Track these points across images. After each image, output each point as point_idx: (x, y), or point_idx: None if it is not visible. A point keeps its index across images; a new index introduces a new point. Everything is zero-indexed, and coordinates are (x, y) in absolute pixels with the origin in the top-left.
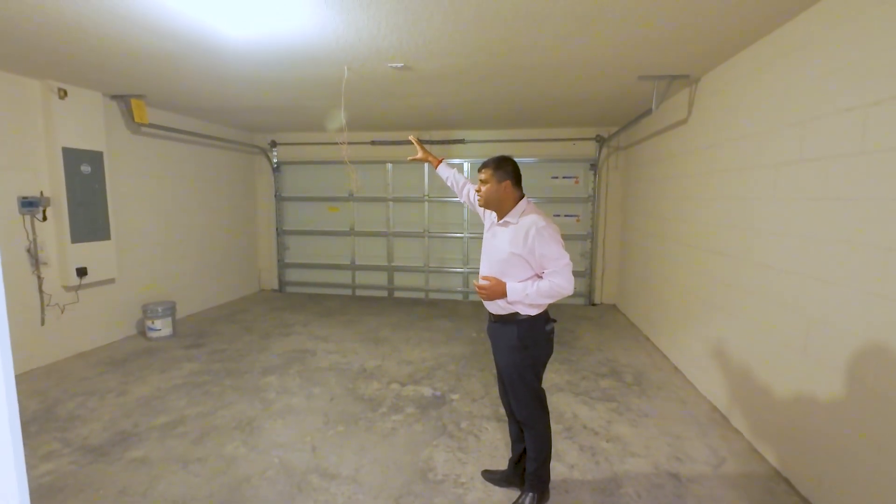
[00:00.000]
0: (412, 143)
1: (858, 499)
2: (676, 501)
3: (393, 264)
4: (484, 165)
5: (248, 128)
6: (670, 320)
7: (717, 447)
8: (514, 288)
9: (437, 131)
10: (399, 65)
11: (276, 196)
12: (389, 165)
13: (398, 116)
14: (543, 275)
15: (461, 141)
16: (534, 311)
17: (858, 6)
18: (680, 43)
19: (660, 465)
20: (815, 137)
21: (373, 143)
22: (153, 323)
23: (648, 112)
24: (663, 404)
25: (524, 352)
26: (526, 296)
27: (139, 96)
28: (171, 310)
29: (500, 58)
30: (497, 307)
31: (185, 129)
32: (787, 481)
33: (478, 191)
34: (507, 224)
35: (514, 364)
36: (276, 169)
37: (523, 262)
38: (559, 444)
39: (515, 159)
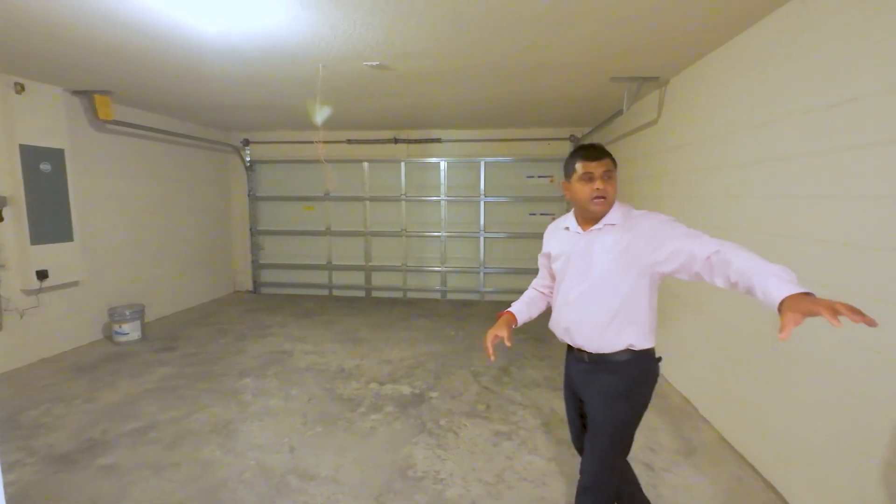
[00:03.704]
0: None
1: (823, 484)
2: (650, 490)
3: (370, 264)
4: (600, 153)
5: (221, 126)
6: None
7: (689, 437)
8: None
9: (413, 130)
10: (375, 63)
11: (249, 195)
12: (366, 164)
13: (375, 115)
14: (699, 256)
15: (437, 140)
16: (650, 343)
17: (818, 15)
18: (650, 46)
19: (634, 456)
20: (779, 138)
21: (349, 142)
22: (120, 327)
23: (620, 113)
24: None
25: (630, 401)
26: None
27: (104, 92)
28: (139, 313)
29: (477, 59)
30: (600, 341)
31: (155, 127)
32: (752, 468)
33: (600, 191)
34: (606, 228)
35: (615, 417)
36: (250, 168)
37: (633, 270)
38: (537, 436)
39: (489, 159)
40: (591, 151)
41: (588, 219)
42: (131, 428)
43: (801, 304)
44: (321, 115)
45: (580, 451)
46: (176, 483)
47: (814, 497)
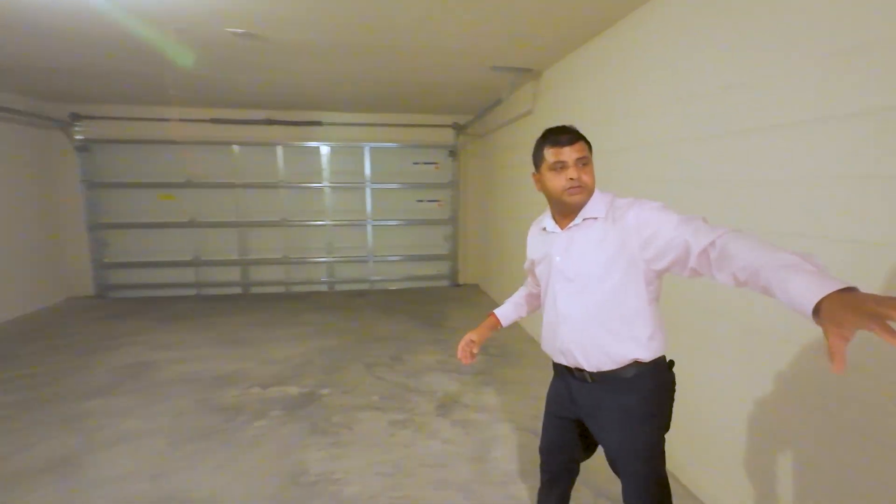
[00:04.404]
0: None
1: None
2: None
3: (248, 257)
4: (571, 136)
5: (40, 95)
6: None
7: None
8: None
9: (291, 111)
10: (240, 31)
11: (84, 182)
12: (236, 147)
13: (246, 92)
14: (696, 248)
15: (318, 123)
16: (659, 351)
17: (685, 12)
18: (525, 38)
19: (524, 426)
20: (648, 126)
21: (214, 121)
22: None
23: (500, 102)
24: (525, 371)
25: (650, 423)
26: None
27: None
28: None
29: (359, 36)
30: (599, 357)
31: None
32: None
33: (575, 180)
34: (587, 223)
35: (637, 442)
36: (84, 149)
37: (624, 270)
38: (433, 421)
39: (374, 145)
40: (561, 135)
41: (565, 214)
42: None
43: (845, 316)
44: (177, 88)
45: (554, 471)
46: None
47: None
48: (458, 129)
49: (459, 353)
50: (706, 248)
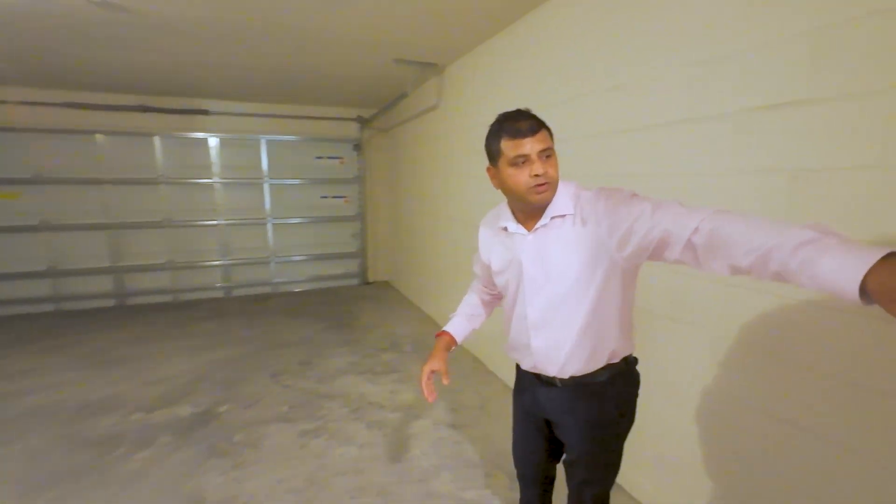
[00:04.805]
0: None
1: None
2: (456, 447)
3: (122, 264)
4: (532, 125)
5: None
6: (439, 290)
7: (482, 391)
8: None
9: (170, 98)
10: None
11: None
12: (101, 137)
13: (112, 74)
14: (659, 236)
15: (204, 112)
16: (629, 349)
17: (577, 14)
18: (428, 31)
19: (440, 420)
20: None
21: (67, 105)
22: None
23: (404, 95)
24: None
25: (620, 421)
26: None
27: None
28: None
29: (245, 15)
30: (575, 365)
31: None
32: None
33: (540, 176)
34: (556, 221)
35: (603, 452)
36: None
37: (602, 270)
38: (347, 426)
39: (271, 137)
40: (521, 123)
41: (530, 213)
42: None
43: None
44: (12, 62)
45: (532, 480)
46: None
47: None
48: (363, 122)
49: (425, 391)
50: (690, 237)
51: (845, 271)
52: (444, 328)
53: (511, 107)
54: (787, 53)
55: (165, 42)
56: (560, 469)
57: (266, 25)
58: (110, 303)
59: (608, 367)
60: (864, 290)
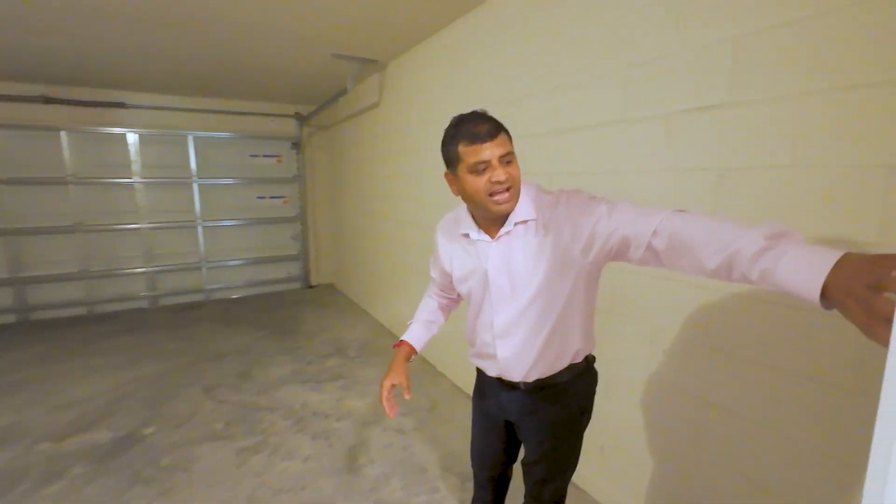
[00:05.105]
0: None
1: None
2: (405, 452)
3: (23, 274)
4: (491, 129)
5: None
6: (385, 292)
7: (431, 393)
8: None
9: (80, 88)
10: None
11: None
12: None
13: (7, 59)
14: (621, 237)
15: (120, 105)
16: (591, 348)
17: (515, 14)
18: (367, 26)
19: (390, 425)
20: None
21: None
22: None
23: (344, 92)
24: (385, 369)
25: (580, 419)
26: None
27: None
28: None
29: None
30: (540, 370)
31: None
32: None
33: (502, 183)
34: (519, 228)
35: (565, 442)
36: None
37: (568, 275)
38: (290, 439)
39: (200, 134)
40: (479, 126)
41: (492, 220)
42: None
43: (858, 287)
44: None
45: (488, 481)
46: None
47: None
48: (302, 119)
49: (385, 407)
50: (649, 241)
51: (804, 282)
52: (402, 337)
53: (456, 107)
54: (712, 59)
55: (71, 25)
56: (517, 469)
57: (191, 11)
58: (11, 319)
59: (571, 367)
60: (824, 295)
